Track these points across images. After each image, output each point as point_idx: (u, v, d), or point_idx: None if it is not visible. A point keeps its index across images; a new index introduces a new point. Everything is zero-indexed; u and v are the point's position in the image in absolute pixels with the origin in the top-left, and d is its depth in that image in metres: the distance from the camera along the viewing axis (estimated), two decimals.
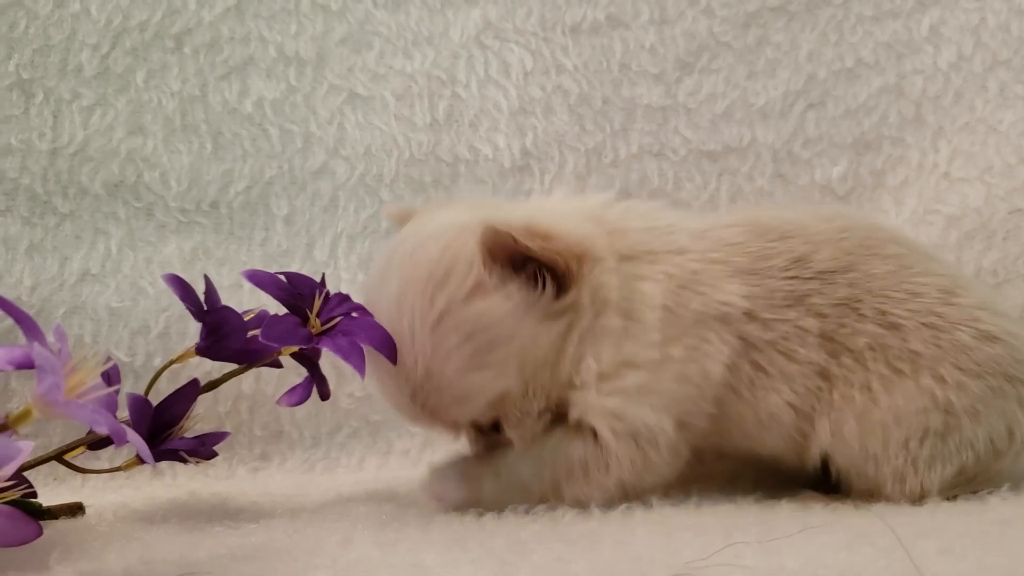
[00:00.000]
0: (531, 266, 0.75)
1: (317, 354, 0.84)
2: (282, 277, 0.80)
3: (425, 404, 0.76)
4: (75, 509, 0.85)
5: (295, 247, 1.04)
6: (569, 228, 0.77)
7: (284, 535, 0.75)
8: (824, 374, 0.79)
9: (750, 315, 0.78)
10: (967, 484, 0.81)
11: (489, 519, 0.78)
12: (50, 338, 0.68)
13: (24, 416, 0.63)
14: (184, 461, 0.81)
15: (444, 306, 0.74)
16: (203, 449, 0.82)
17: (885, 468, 0.79)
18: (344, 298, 0.80)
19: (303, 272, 1.01)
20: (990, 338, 0.80)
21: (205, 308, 0.82)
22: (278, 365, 0.86)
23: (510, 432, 0.79)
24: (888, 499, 0.80)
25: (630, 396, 0.77)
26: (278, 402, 0.84)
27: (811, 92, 1.05)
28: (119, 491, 0.95)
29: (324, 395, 0.85)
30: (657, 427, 0.77)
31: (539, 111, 1.05)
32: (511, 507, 0.78)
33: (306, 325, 0.78)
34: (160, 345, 1.00)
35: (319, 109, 1.05)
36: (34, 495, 0.80)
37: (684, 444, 0.79)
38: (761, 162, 1.05)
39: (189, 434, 0.81)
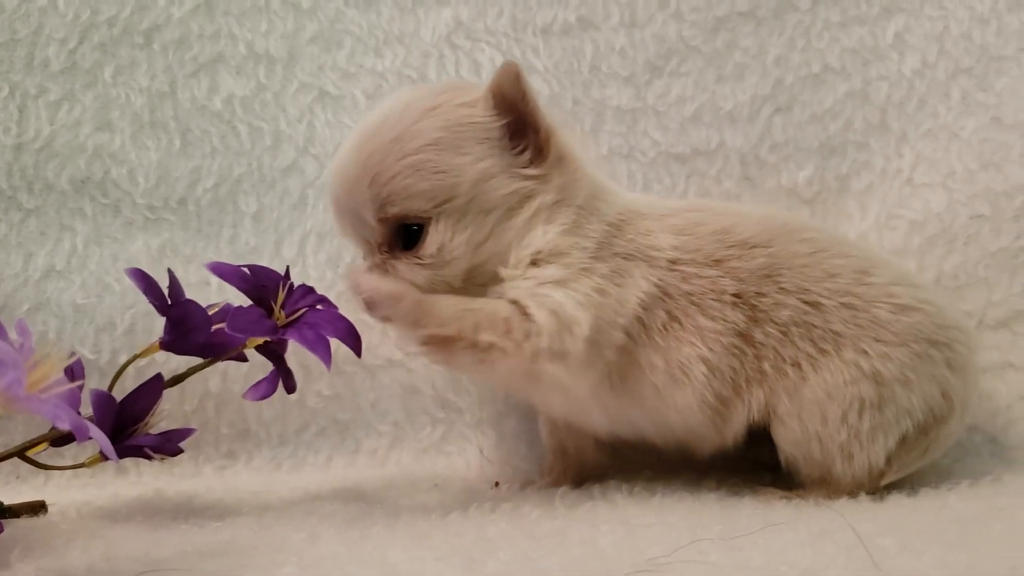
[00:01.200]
0: (515, 129, 0.80)
1: (283, 347, 0.84)
2: (246, 270, 0.81)
3: (376, 167, 0.77)
4: (37, 507, 0.84)
5: (263, 244, 1.03)
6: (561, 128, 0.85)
7: (250, 532, 0.76)
8: (744, 336, 0.82)
9: (673, 264, 0.83)
10: (917, 455, 0.85)
11: (456, 517, 0.78)
12: (13, 334, 0.68)
13: None
14: (149, 458, 0.81)
15: (444, 100, 0.80)
16: (168, 445, 0.81)
17: (830, 445, 0.82)
18: (308, 290, 0.82)
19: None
20: (907, 309, 0.84)
21: (169, 302, 0.81)
22: (243, 359, 0.86)
23: (428, 247, 0.78)
24: (839, 481, 0.83)
25: (554, 285, 0.79)
26: (244, 396, 0.84)
27: (778, 97, 1.06)
28: (82, 489, 0.94)
29: (290, 388, 0.85)
30: (577, 314, 0.78)
31: None
32: (475, 502, 0.79)
33: (271, 317, 0.79)
34: (126, 342, 0.99)
35: (289, 107, 1.05)
36: None
37: (592, 367, 0.80)
38: (729, 165, 1.05)
39: (154, 431, 0.81)
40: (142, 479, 0.99)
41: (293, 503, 0.86)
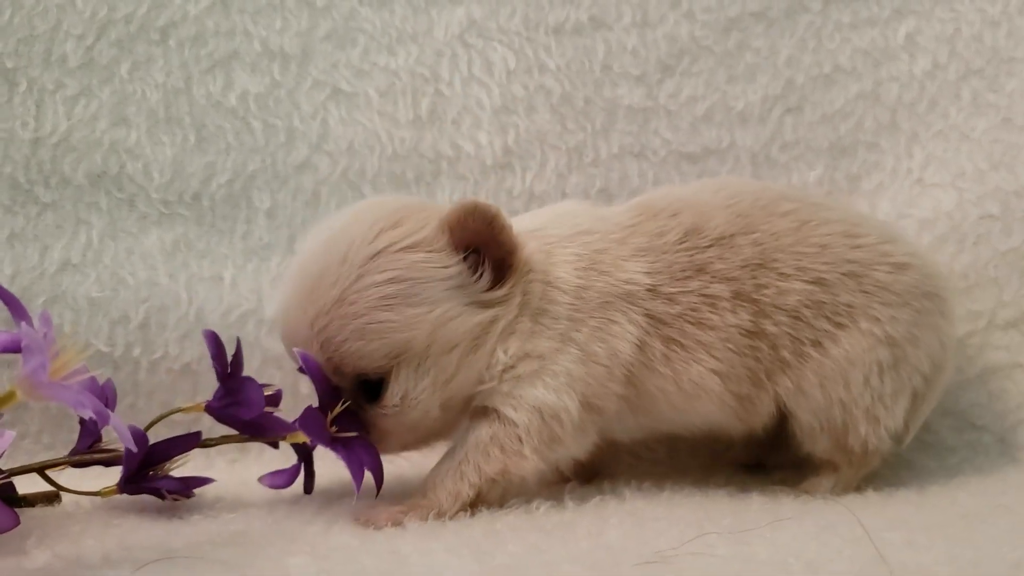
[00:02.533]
0: (474, 256, 0.77)
1: (312, 448, 0.85)
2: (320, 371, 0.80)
3: (324, 333, 0.75)
4: (51, 497, 0.85)
5: (277, 241, 1.04)
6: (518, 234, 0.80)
7: (262, 523, 0.76)
8: (754, 333, 0.81)
9: (654, 291, 0.80)
10: (925, 408, 0.88)
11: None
12: (36, 323, 0.69)
13: (8, 398, 0.64)
14: (163, 497, 0.82)
15: (385, 245, 0.75)
16: (185, 490, 0.83)
17: (854, 410, 0.83)
18: (354, 417, 0.80)
19: (284, 266, 1.03)
20: (902, 267, 0.86)
21: (229, 371, 0.82)
22: (275, 446, 0.87)
23: (390, 398, 0.76)
24: (851, 451, 0.84)
25: (523, 380, 0.78)
26: (260, 480, 0.85)
27: (789, 97, 1.06)
28: (95, 481, 0.94)
29: (307, 489, 0.86)
30: (556, 404, 0.78)
31: (521, 110, 1.06)
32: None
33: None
34: (140, 336, 1.00)
35: (303, 104, 1.06)
36: (11, 485, 0.80)
37: (592, 425, 0.80)
38: (739, 165, 1.06)
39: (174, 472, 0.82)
40: None
41: (305, 496, 0.87)
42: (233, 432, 0.84)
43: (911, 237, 1.03)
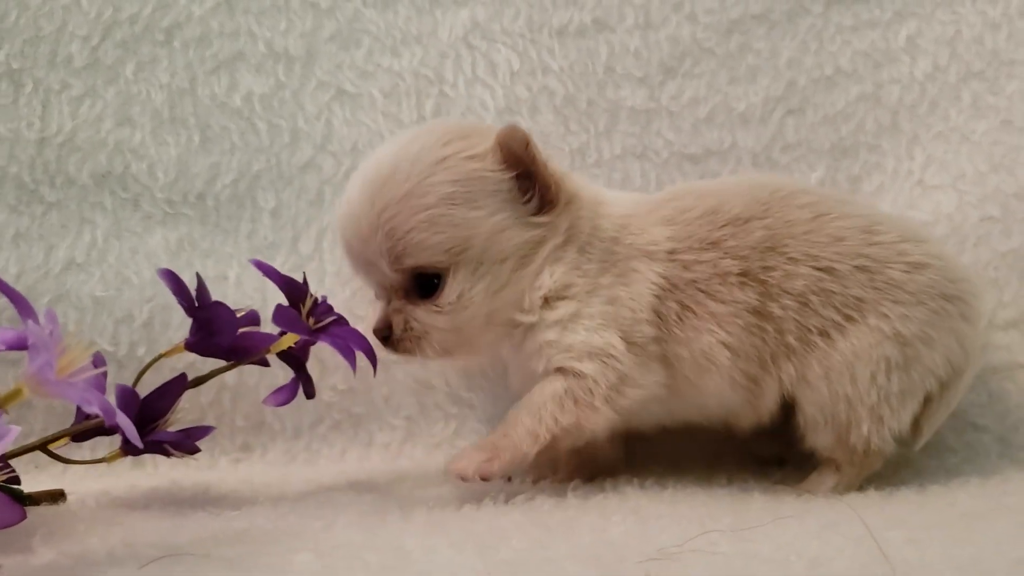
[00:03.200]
0: (525, 180, 0.83)
1: (305, 354, 0.86)
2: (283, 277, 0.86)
3: (392, 222, 0.80)
4: (56, 496, 0.86)
5: (281, 240, 1.05)
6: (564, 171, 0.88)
7: (266, 521, 0.77)
8: (761, 313, 0.84)
9: (672, 255, 0.85)
10: (943, 410, 0.89)
11: (469, 508, 0.79)
12: (42, 321, 0.69)
13: (15, 395, 0.64)
14: (168, 454, 0.82)
15: (452, 152, 0.82)
16: (187, 442, 0.83)
17: (859, 408, 0.84)
18: (329, 307, 0.86)
19: (289, 265, 1.03)
20: (920, 266, 0.86)
21: (196, 304, 0.82)
22: (265, 363, 0.87)
23: (447, 295, 0.82)
24: (854, 449, 0.85)
25: (565, 326, 0.84)
26: (264, 401, 0.86)
27: (791, 99, 1.07)
28: (100, 479, 0.95)
29: (309, 394, 0.87)
30: (601, 343, 0.83)
31: (525, 111, 1.06)
32: (489, 494, 0.80)
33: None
34: (144, 335, 1.01)
35: (307, 105, 1.06)
36: (17, 480, 0.80)
37: (646, 358, 0.84)
38: (741, 166, 1.06)
39: (173, 427, 0.82)
40: (158, 471, 1.00)
41: (308, 493, 0.87)
42: (222, 363, 0.84)
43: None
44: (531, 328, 0.85)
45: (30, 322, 0.63)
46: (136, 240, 1.03)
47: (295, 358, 0.86)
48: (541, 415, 0.82)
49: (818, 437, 0.86)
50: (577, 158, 1.06)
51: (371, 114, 1.06)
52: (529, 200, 0.83)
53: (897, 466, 0.93)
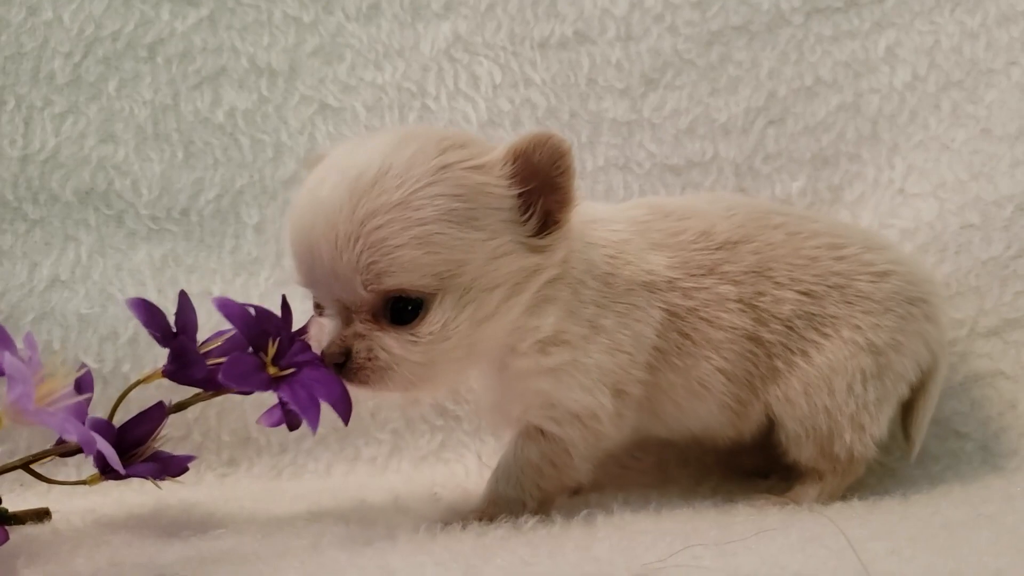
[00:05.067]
0: (526, 197, 0.74)
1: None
2: (251, 310, 0.77)
3: (376, 235, 0.69)
4: (42, 515, 0.85)
5: (265, 255, 1.05)
6: None
7: (253, 539, 0.76)
8: (754, 339, 0.84)
9: (672, 284, 0.82)
10: (924, 411, 0.91)
11: (454, 525, 0.79)
12: (20, 344, 0.69)
13: None
14: (157, 478, 0.81)
15: (454, 160, 0.72)
16: (169, 470, 0.82)
17: (839, 417, 0.85)
18: (305, 347, 0.76)
19: (272, 282, 1.03)
20: (884, 275, 0.87)
21: (174, 331, 0.80)
22: (247, 393, 0.84)
23: (429, 324, 0.72)
24: (837, 458, 0.85)
25: (559, 377, 0.78)
26: (258, 421, 0.82)
27: (771, 109, 1.07)
28: (86, 497, 0.94)
29: (291, 426, 0.81)
30: (593, 404, 0.79)
31: (508, 123, 1.07)
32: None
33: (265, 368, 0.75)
34: (129, 351, 1.01)
35: (290, 119, 1.06)
36: None
37: (624, 408, 0.82)
38: (723, 176, 1.07)
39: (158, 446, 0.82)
40: (144, 487, 0.98)
41: (295, 510, 0.87)
42: (199, 391, 0.81)
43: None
44: (522, 372, 0.79)
45: (7, 354, 0.63)
46: (120, 257, 1.03)
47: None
48: (522, 484, 0.81)
49: (801, 450, 0.86)
50: None
51: (354, 128, 1.06)
52: (528, 220, 0.74)
53: (881, 475, 0.94)
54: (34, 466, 0.81)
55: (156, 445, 0.81)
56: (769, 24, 1.08)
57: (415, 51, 1.07)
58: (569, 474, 0.82)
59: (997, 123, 1.04)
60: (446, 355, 0.73)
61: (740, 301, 0.83)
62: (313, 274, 0.73)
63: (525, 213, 0.74)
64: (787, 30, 1.08)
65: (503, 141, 0.76)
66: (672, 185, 1.07)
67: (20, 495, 0.93)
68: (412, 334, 0.72)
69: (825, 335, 0.85)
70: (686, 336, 0.82)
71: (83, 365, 0.82)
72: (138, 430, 0.80)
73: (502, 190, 0.73)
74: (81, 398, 0.69)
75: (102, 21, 1.04)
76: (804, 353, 0.84)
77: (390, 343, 0.72)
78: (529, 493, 0.81)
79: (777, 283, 0.84)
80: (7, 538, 0.71)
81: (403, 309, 0.72)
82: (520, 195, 0.74)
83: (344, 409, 0.73)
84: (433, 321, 0.72)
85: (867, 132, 1.07)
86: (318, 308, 0.76)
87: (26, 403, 0.62)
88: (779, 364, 0.84)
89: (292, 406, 0.72)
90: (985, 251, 1.03)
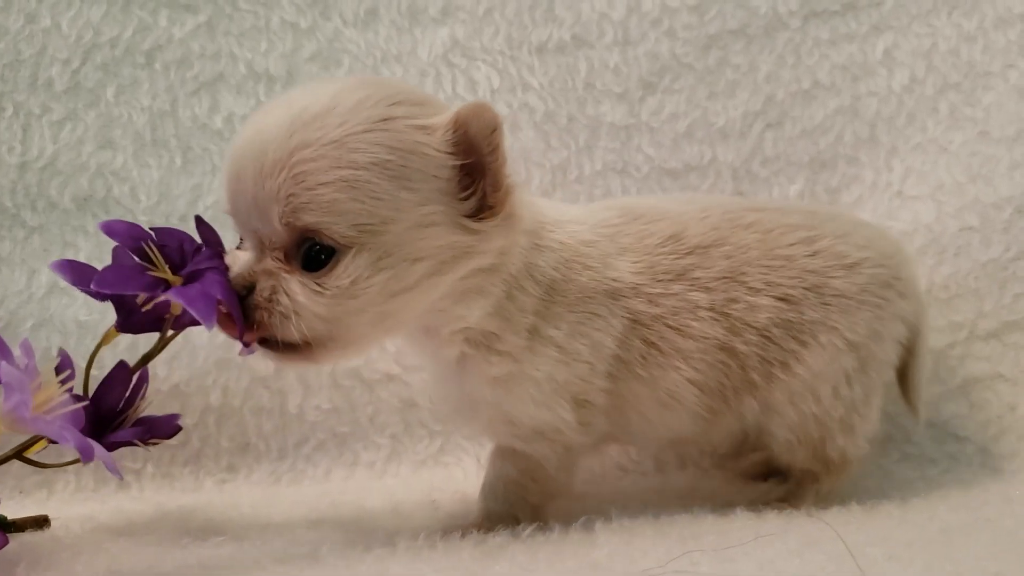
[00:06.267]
0: (468, 175, 0.70)
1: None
2: (150, 231, 0.74)
3: (303, 166, 0.66)
4: (41, 522, 0.85)
5: None
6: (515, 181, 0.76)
7: (252, 547, 0.77)
8: (727, 349, 0.81)
9: (636, 290, 0.79)
10: (916, 379, 0.91)
11: (453, 532, 0.79)
12: (16, 351, 0.69)
13: None
14: (144, 444, 0.79)
15: (401, 114, 0.69)
16: (157, 432, 0.80)
17: (828, 422, 0.84)
18: (213, 255, 0.73)
19: None
20: (856, 266, 0.85)
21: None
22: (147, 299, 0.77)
23: (337, 276, 0.67)
24: (830, 460, 0.85)
25: (507, 388, 0.76)
26: (240, 353, 0.75)
27: (769, 112, 1.07)
28: (85, 504, 0.95)
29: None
30: (552, 419, 0.77)
31: (506, 128, 1.03)
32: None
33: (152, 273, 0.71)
34: (128, 357, 1.00)
35: None
36: None
37: (592, 416, 0.80)
38: (721, 180, 1.07)
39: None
40: (144, 493, 1.00)
41: (294, 517, 0.87)
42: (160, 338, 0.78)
43: None
44: (461, 364, 0.77)
45: (3, 363, 0.63)
46: None
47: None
48: (509, 500, 0.81)
49: (794, 455, 0.86)
50: (558, 174, 1.07)
51: None
52: (467, 198, 0.70)
53: (879, 478, 0.94)
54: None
55: (142, 408, 0.80)
56: (766, 28, 1.08)
57: (413, 56, 1.07)
58: (551, 485, 0.81)
59: (995, 125, 1.04)
60: (351, 316, 0.69)
61: (712, 309, 0.80)
62: (236, 200, 0.69)
63: (466, 190, 0.71)
64: (784, 34, 1.08)
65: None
66: (670, 189, 1.07)
67: (19, 502, 0.94)
68: (319, 283, 0.67)
69: (803, 343, 0.82)
70: (651, 345, 0.79)
71: (60, 350, 0.79)
72: (110, 396, 0.78)
73: (441, 157, 0.69)
74: (78, 406, 0.69)
75: (100, 28, 1.04)
76: (783, 364, 0.82)
77: (295, 288, 0.68)
78: (518, 508, 0.81)
79: (751, 288, 0.81)
80: (6, 543, 0.71)
81: (316, 256, 0.68)
82: (461, 168, 0.70)
83: (235, 311, 0.68)
84: (343, 274, 0.67)
85: (865, 135, 1.08)
86: (240, 243, 0.74)
87: (23, 411, 0.62)
88: (755, 376, 0.82)
89: (183, 301, 0.67)
90: (984, 253, 1.03)
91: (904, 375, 0.91)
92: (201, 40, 1.05)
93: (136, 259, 0.72)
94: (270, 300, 0.68)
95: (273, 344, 0.70)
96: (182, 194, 1.04)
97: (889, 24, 1.08)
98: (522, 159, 1.07)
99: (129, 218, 1.03)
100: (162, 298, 0.70)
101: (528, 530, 0.76)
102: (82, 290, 0.72)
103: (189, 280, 0.70)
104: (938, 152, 1.06)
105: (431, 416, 1.06)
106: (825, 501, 0.86)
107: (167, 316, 0.77)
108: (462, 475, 1.03)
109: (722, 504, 0.82)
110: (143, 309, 0.75)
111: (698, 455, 1.00)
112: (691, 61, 1.08)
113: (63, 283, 1.01)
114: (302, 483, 1.02)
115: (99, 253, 1.02)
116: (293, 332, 0.68)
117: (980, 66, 1.06)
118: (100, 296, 0.72)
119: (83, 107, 1.03)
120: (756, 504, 0.82)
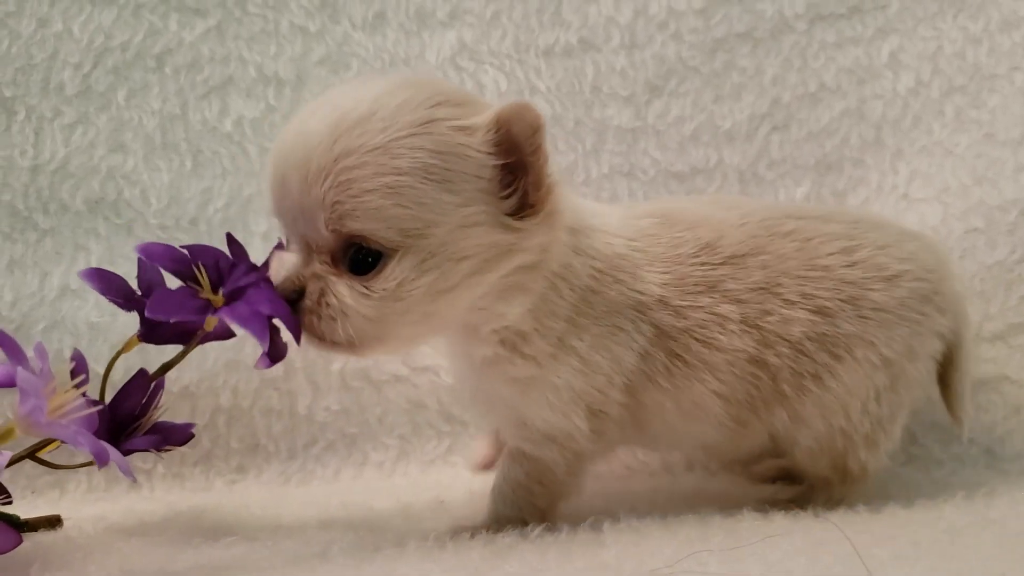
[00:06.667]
0: (510, 172, 0.71)
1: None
2: (184, 251, 0.76)
3: (348, 174, 0.67)
4: (53, 522, 0.86)
5: None
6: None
7: (263, 547, 0.77)
8: (758, 362, 0.80)
9: (663, 302, 0.78)
10: (959, 384, 0.89)
11: (463, 531, 0.80)
12: (30, 353, 0.70)
13: (8, 434, 0.66)
14: (158, 451, 0.81)
15: (442, 116, 0.69)
16: (172, 439, 0.82)
17: (855, 437, 0.83)
18: (250, 270, 0.75)
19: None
20: (896, 278, 0.83)
21: (138, 293, 0.79)
22: (230, 335, 0.83)
23: (384, 279, 0.69)
24: (850, 472, 0.85)
25: (524, 391, 0.77)
26: (256, 366, 0.77)
27: (775, 115, 1.08)
28: (96, 504, 0.96)
29: (278, 356, 0.76)
30: (566, 426, 0.78)
31: None
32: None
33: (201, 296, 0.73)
34: (139, 360, 1.01)
35: None
36: (10, 502, 0.81)
37: (605, 427, 0.80)
38: (728, 183, 1.08)
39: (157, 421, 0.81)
40: (155, 493, 1.01)
41: (304, 518, 0.87)
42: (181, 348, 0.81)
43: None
44: (487, 362, 0.77)
45: (20, 369, 0.63)
46: (130, 266, 1.01)
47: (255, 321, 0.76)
48: (517, 503, 0.81)
49: (815, 464, 0.86)
50: (565, 177, 1.07)
51: None
52: (508, 197, 0.71)
53: (885, 480, 0.94)
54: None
55: (157, 415, 0.81)
56: (773, 31, 1.09)
57: (421, 60, 1.08)
58: (558, 490, 0.82)
59: (1000, 128, 1.05)
60: (398, 317, 0.70)
61: (743, 322, 0.79)
62: (282, 204, 0.70)
63: (507, 188, 0.71)
64: (791, 37, 1.09)
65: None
66: (676, 191, 1.07)
67: (31, 502, 0.94)
68: (366, 286, 0.69)
69: (838, 357, 0.81)
70: (676, 356, 0.79)
71: (74, 352, 0.80)
72: (128, 403, 0.80)
73: (483, 158, 0.69)
74: (92, 411, 0.69)
75: (111, 32, 1.05)
76: (816, 377, 0.81)
77: (342, 290, 0.69)
78: (526, 512, 0.81)
79: (787, 301, 0.80)
80: (20, 541, 0.72)
81: (363, 259, 0.69)
82: (503, 167, 0.70)
83: (293, 325, 0.70)
84: (389, 277, 0.69)
85: (871, 137, 1.08)
86: (284, 243, 0.75)
87: (38, 416, 0.63)
88: (786, 388, 0.81)
89: (235, 322, 0.69)
90: (990, 255, 1.03)
91: (946, 387, 0.90)
92: (211, 44, 1.06)
93: (179, 281, 0.74)
94: (319, 304, 0.70)
95: (322, 340, 0.72)
96: (192, 197, 1.05)
97: (895, 27, 1.09)
98: None
99: (139, 221, 1.04)
100: (214, 320, 0.72)
101: (537, 530, 0.76)
102: (110, 299, 0.76)
103: (231, 298, 0.72)
104: (944, 155, 1.07)
105: (439, 417, 1.06)
106: (834, 507, 0.85)
107: (199, 331, 0.78)
108: (469, 476, 1.04)
109: (730, 505, 0.83)
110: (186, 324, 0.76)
111: (706, 459, 1.01)
112: (697, 64, 1.08)
113: (75, 285, 1.02)
114: (311, 483, 1.03)
115: (110, 256, 1.04)
116: (340, 334, 0.70)
117: (985, 69, 1.07)
118: (128, 307, 0.77)
119: (94, 111, 1.04)
120: (764, 505, 0.83)
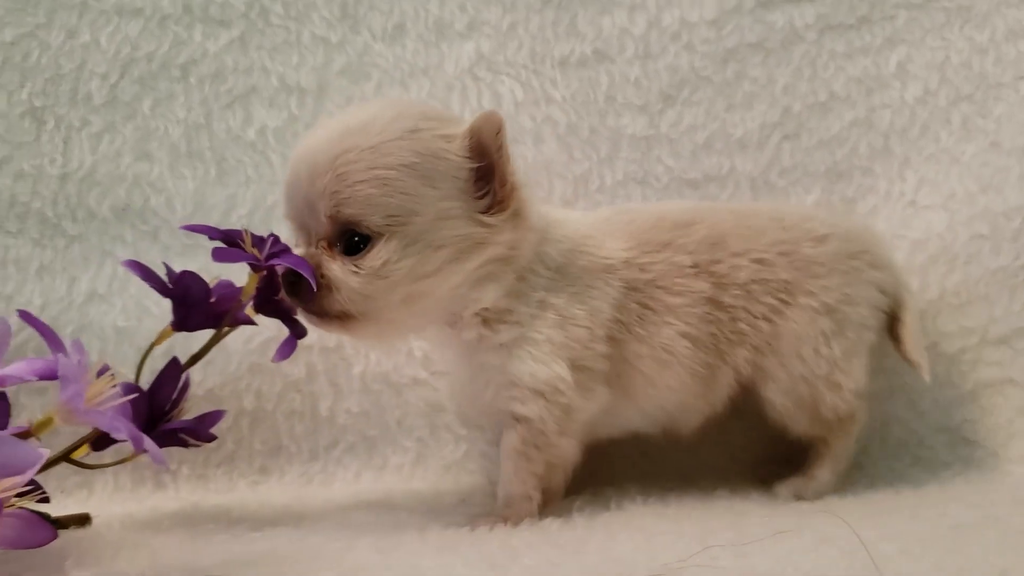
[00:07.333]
0: (483, 177, 0.82)
1: (288, 306, 0.86)
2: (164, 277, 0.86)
3: (345, 167, 0.78)
4: (83, 520, 0.88)
5: None
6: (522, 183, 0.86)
7: (287, 542, 0.79)
8: (714, 301, 0.90)
9: (628, 263, 0.89)
10: (916, 340, 0.96)
11: (481, 528, 0.82)
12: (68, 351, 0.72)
13: (46, 423, 0.68)
14: (185, 444, 0.85)
15: (426, 127, 0.81)
16: (201, 429, 0.86)
17: (816, 381, 0.91)
18: (277, 241, 0.85)
19: None
20: (824, 238, 0.94)
21: (171, 287, 0.86)
22: (251, 322, 0.89)
23: (372, 258, 0.79)
24: (826, 420, 0.93)
25: (510, 351, 0.85)
26: (273, 359, 0.87)
27: (786, 124, 1.10)
28: (124, 503, 0.98)
29: (300, 334, 0.87)
30: (549, 375, 0.84)
31: (529, 140, 1.09)
32: None
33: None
34: (164, 363, 1.03)
35: None
36: (47, 500, 0.83)
37: (593, 382, 0.87)
38: (739, 190, 1.09)
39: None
40: (180, 494, 1.03)
41: (327, 515, 0.89)
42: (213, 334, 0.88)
43: (904, 257, 1.06)
44: (474, 345, 0.86)
45: (60, 356, 0.66)
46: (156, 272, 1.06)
47: (279, 310, 0.87)
48: (519, 476, 0.86)
49: (796, 422, 0.93)
50: (580, 185, 1.09)
51: None
52: (481, 198, 0.82)
53: (892, 480, 0.96)
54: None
55: (185, 411, 0.86)
56: (783, 41, 1.10)
57: (439, 70, 1.10)
58: (553, 452, 0.86)
59: (1006, 136, 1.06)
60: (382, 293, 0.80)
61: (696, 267, 0.89)
62: (293, 200, 0.82)
63: (481, 190, 0.82)
64: (801, 47, 1.10)
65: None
66: (690, 198, 1.08)
67: (61, 501, 0.96)
68: (356, 264, 0.80)
69: (783, 302, 0.91)
70: (645, 306, 0.88)
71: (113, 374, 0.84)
72: (163, 392, 0.85)
73: (460, 161, 0.81)
74: (127, 399, 0.72)
75: (137, 43, 1.07)
76: (767, 319, 0.90)
77: (335, 267, 0.80)
78: (527, 482, 0.86)
79: (733, 252, 0.91)
80: (55, 536, 0.74)
81: (355, 244, 0.80)
82: (476, 170, 0.81)
83: (312, 273, 0.80)
84: (375, 257, 0.79)
85: (879, 146, 1.10)
86: (295, 244, 0.85)
87: (78, 403, 0.65)
88: (742, 326, 0.90)
89: (288, 264, 0.80)
90: (994, 261, 1.05)
91: (897, 338, 0.97)
92: (234, 54, 1.08)
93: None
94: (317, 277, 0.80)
95: (320, 314, 0.82)
96: (216, 204, 1.07)
97: (903, 37, 1.10)
98: (545, 170, 1.09)
99: (165, 228, 1.07)
100: (273, 263, 0.83)
101: (554, 525, 0.78)
102: (152, 286, 0.86)
103: (270, 258, 0.83)
104: (950, 163, 1.08)
105: (456, 421, 1.08)
106: (842, 487, 0.91)
107: (226, 314, 0.86)
108: (486, 480, 1.05)
109: (740, 502, 0.84)
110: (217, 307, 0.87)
111: (716, 457, 1.02)
112: (710, 74, 1.10)
113: (102, 290, 1.05)
114: (333, 485, 1.05)
115: None
116: (336, 303, 0.80)
117: (992, 78, 1.08)
118: (166, 293, 0.86)
119: (121, 120, 1.07)
120: (773, 501, 0.84)
